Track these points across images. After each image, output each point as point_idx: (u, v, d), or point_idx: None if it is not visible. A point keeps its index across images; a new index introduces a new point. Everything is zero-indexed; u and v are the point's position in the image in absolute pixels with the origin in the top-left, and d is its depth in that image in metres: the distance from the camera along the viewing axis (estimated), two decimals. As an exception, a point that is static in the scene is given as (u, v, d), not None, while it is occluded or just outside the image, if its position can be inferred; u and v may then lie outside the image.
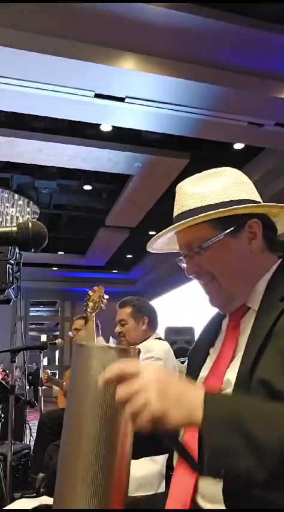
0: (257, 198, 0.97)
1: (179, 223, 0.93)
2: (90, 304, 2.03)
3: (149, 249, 1.08)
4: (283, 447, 0.62)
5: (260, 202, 0.96)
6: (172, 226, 0.95)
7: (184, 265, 1.00)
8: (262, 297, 0.91)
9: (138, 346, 2.22)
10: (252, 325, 0.88)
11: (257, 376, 0.79)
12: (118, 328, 2.32)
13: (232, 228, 0.92)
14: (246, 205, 0.91)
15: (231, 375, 0.86)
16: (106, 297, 2.11)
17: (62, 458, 0.78)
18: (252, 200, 0.94)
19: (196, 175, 0.98)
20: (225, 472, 0.64)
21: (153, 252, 1.10)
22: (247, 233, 0.93)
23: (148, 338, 2.28)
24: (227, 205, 0.90)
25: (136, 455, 0.97)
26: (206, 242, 0.92)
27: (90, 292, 2.05)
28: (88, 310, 2.02)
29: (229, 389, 0.84)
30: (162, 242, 1.06)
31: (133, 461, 0.82)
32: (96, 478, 0.72)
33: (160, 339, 2.34)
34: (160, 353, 2.11)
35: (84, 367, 0.75)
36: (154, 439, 0.99)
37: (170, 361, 2.16)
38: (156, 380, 0.67)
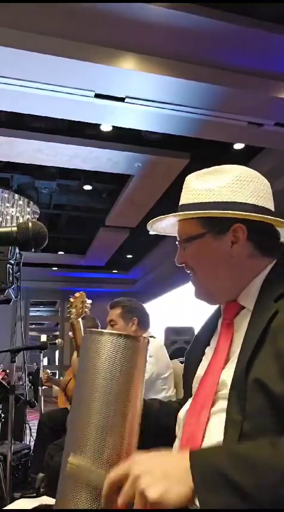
0: (260, 199, 0.96)
1: (168, 215, 1.00)
2: (73, 310, 2.04)
3: (149, 227, 1.11)
4: (277, 495, 0.64)
5: (257, 205, 0.95)
6: (162, 216, 1.01)
7: None
8: (256, 297, 0.92)
9: None
10: (247, 326, 0.89)
11: (252, 376, 0.79)
12: (108, 329, 2.34)
13: (216, 229, 0.95)
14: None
15: (227, 375, 0.86)
16: (89, 301, 2.11)
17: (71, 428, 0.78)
18: (245, 203, 0.94)
19: (204, 170, 1.01)
20: None
21: (152, 232, 1.14)
22: (231, 236, 0.95)
23: None
24: (214, 206, 0.94)
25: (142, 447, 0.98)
26: (189, 238, 0.98)
27: (72, 299, 2.06)
28: (72, 316, 2.03)
29: (225, 391, 0.85)
30: (165, 226, 1.10)
31: None
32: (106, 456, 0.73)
33: (152, 337, 2.35)
34: (151, 350, 2.13)
35: (95, 353, 0.76)
36: (155, 434, 1.00)
37: (162, 358, 2.16)
38: (140, 471, 0.68)
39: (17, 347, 2.75)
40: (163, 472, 0.68)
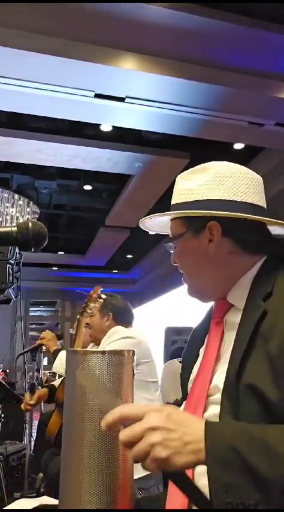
0: (239, 194, 0.95)
1: (152, 216, 1.05)
2: (91, 305, 2.06)
3: (141, 225, 1.14)
4: None
5: (235, 201, 0.94)
6: (150, 216, 1.05)
7: None
8: (246, 296, 0.91)
9: (108, 332, 2.26)
10: (238, 326, 0.88)
11: (244, 381, 0.78)
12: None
13: (193, 228, 0.97)
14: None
15: (219, 379, 0.85)
16: (103, 296, 2.14)
17: (64, 472, 0.77)
18: (220, 200, 0.94)
19: (192, 168, 1.03)
20: (232, 507, 0.64)
21: (144, 229, 1.16)
22: (207, 234, 0.95)
23: None
24: (190, 205, 0.96)
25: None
26: (173, 237, 1.01)
27: (92, 293, 2.08)
28: (87, 311, 2.04)
29: (217, 395, 0.84)
30: (161, 225, 1.12)
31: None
32: (101, 486, 0.71)
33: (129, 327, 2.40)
34: (132, 333, 2.20)
35: (80, 373, 0.75)
36: None
37: (144, 342, 2.19)
38: (158, 425, 0.67)
39: (36, 345, 2.80)
40: (178, 437, 0.67)
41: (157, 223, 1.11)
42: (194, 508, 0.83)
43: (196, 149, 5.07)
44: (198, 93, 3.59)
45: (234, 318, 0.91)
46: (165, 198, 6.18)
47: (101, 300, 2.15)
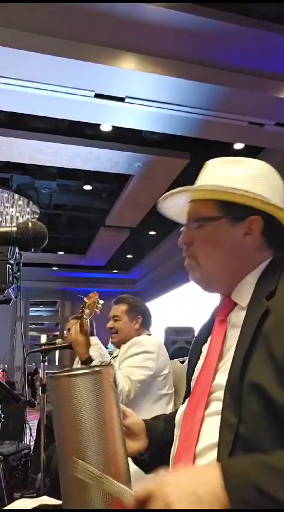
0: (275, 197, 0.94)
1: (180, 188, 0.95)
2: (87, 311, 2.04)
3: (158, 205, 1.07)
4: None
5: (272, 201, 0.93)
6: (173, 190, 0.96)
7: None
8: (251, 294, 0.90)
9: (129, 342, 2.22)
10: (242, 324, 0.87)
11: (248, 379, 0.78)
12: (110, 324, 2.35)
13: (233, 216, 0.93)
14: (247, 193, 0.90)
15: (222, 377, 0.85)
16: (101, 302, 2.12)
17: (63, 482, 0.75)
18: (258, 197, 0.92)
19: (227, 157, 1.00)
20: None
21: (162, 209, 1.08)
22: (245, 227, 0.93)
23: (139, 336, 2.30)
24: (238, 192, 0.91)
25: (151, 467, 0.97)
26: (203, 218, 0.95)
27: (86, 299, 2.06)
28: (84, 316, 2.03)
29: (219, 392, 0.84)
30: (175, 210, 1.06)
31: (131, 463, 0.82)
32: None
33: (149, 334, 2.36)
34: (152, 347, 2.14)
35: (65, 397, 0.73)
36: (166, 452, 0.99)
37: (162, 355, 2.17)
38: (170, 491, 0.66)
39: (50, 347, 2.78)
40: (193, 493, 0.65)
41: (174, 205, 1.05)
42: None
43: (196, 149, 5.07)
44: (198, 93, 3.59)
45: (238, 316, 0.91)
46: (165, 198, 6.17)
47: (100, 305, 2.13)
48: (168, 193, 0.99)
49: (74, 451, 0.72)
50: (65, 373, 0.75)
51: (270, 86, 3.62)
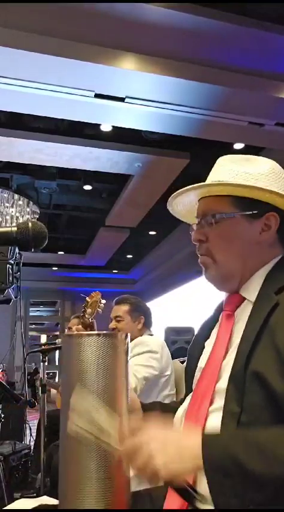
0: None
1: (201, 184, 0.95)
2: (89, 310, 2.04)
3: (169, 207, 1.08)
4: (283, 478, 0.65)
5: None
6: (192, 186, 0.96)
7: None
8: (259, 289, 0.91)
9: (133, 341, 2.22)
10: (248, 317, 0.88)
11: (251, 368, 0.79)
12: (113, 324, 2.35)
13: (250, 212, 0.93)
14: (267, 190, 0.90)
15: (226, 367, 0.86)
16: (103, 301, 2.12)
17: (63, 462, 0.77)
18: (281, 194, 0.93)
19: (240, 155, 1.00)
20: (234, 505, 0.67)
21: (171, 211, 1.10)
22: (262, 223, 0.94)
23: (141, 336, 2.31)
24: (262, 188, 0.91)
25: None
26: (220, 214, 0.94)
27: (88, 299, 2.06)
28: (86, 316, 2.02)
29: (224, 382, 0.85)
30: (183, 208, 1.07)
31: None
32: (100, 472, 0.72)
33: (151, 335, 2.37)
34: (156, 347, 2.15)
35: (77, 356, 0.76)
36: None
37: (165, 356, 2.18)
38: (154, 437, 0.71)
39: (50, 347, 2.79)
40: (175, 446, 0.70)
41: (181, 207, 1.07)
42: (193, 508, 0.83)
43: (196, 149, 5.07)
44: (198, 93, 3.59)
45: (245, 311, 0.92)
46: (165, 198, 6.16)
47: (102, 305, 2.13)
48: (183, 189, 0.98)
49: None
50: (81, 334, 0.79)
51: (270, 86, 3.62)
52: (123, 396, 0.78)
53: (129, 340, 0.84)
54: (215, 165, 1.01)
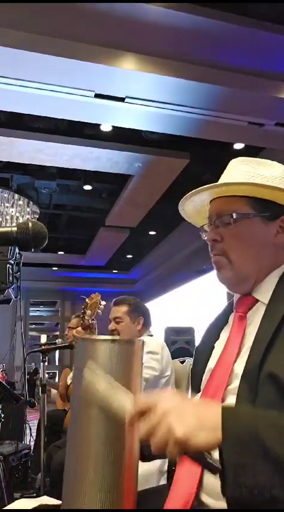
0: None
1: (220, 183, 0.94)
2: (89, 312, 2.03)
3: (180, 207, 1.07)
4: None
5: None
6: (213, 184, 0.95)
7: (205, 236, 1.02)
8: (272, 290, 0.91)
9: None
10: (262, 318, 0.88)
11: (266, 369, 0.79)
12: (112, 326, 2.34)
13: (267, 214, 0.93)
14: None
15: (239, 367, 0.86)
16: (103, 302, 2.11)
17: (69, 463, 0.76)
18: None
19: (251, 158, 1.00)
20: (247, 489, 0.62)
21: (181, 212, 1.08)
22: (278, 226, 0.94)
23: (141, 336, 2.30)
24: (272, 189, 0.92)
25: (146, 459, 0.97)
26: (238, 215, 0.94)
27: (88, 300, 2.05)
28: (85, 317, 2.02)
29: (236, 382, 0.84)
30: (193, 208, 1.06)
31: None
32: (105, 482, 0.71)
33: (150, 335, 2.36)
34: (157, 348, 2.14)
35: (92, 360, 0.75)
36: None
37: (166, 357, 2.17)
38: (172, 407, 0.67)
39: (49, 347, 2.79)
40: (194, 415, 0.66)
41: (191, 207, 1.06)
42: (197, 504, 0.83)
43: (196, 149, 5.07)
44: (198, 93, 3.59)
45: (258, 313, 0.92)
46: (165, 198, 6.18)
47: (102, 306, 2.12)
48: (202, 188, 0.97)
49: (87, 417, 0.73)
50: (98, 338, 0.77)
51: (270, 86, 3.62)
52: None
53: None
54: (228, 166, 1.01)
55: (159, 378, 2.11)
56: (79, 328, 1.99)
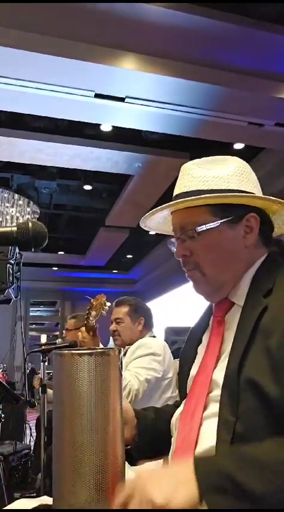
0: (259, 192, 0.96)
1: (178, 200, 0.91)
2: (93, 313, 2.02)
3: (142, 224, 1.05)
4: (281, 493, 0.65)
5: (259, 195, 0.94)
6: (170, 203, 0.93)
7: (174, 248, 0.98)
8: (246, 292, 0.90)
9: (136, 343, 2.21)
10: (238, 323, 0.87)
11: (244, 375, 0.78)
12: (113, 327, 2.34)
13: (230, 218, 0.90)
14: (248, 195, 0.90)
15: (219, 375, 0.85)
16: (108, 304, 2.10)
17: (57, 462, 0.76)
18: (253, 193, 0.93)
19: (203, 158, 0.96)
20: None
21: (145, 228, 1.07)
22: (244, 226, 0.92)
23: (143, 337, 2.29)
24: (229, 193, 0.89)
25: (138, 458, 0.97)
26: (201, 226, 0.90)
27: (93, 301, 2.04)
28: (90, 318, 2.01)
29: (217, 391, 0.83)
30: (157, 221, 1.05)
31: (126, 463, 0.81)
32: (92, 469, 0.71)
33: (154, 337, 2.36)
34: (159, 349, 2.14)
35: (68, 375, 0.74)
36: (154, 444, 0.99)
37: (167, 359, 2.17)
38: (145, 478, 0.69)
39: (50, 347, 2.78)
40: (167, 477, 0.68)
41: (154, 221, 1.04)
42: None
43: (195, 149, 5.06)
44: (198, 93, 3.59)
45: (235, 316, 0.91)
46: (165, 198, 6.18)
47: (106, 307, 2.11)
48: (160, 207, 0.95)
49: (70, 428, 0.72)
50: (73, 351, 0.75)
51: (270, 86, 3.62)
52: (117, 414, 0.76)
53: (122, 355, 0.81)
54: (181, 172, 0.97)
55: (161, 379, 2.11)
56: (83, 329, 1.99)
